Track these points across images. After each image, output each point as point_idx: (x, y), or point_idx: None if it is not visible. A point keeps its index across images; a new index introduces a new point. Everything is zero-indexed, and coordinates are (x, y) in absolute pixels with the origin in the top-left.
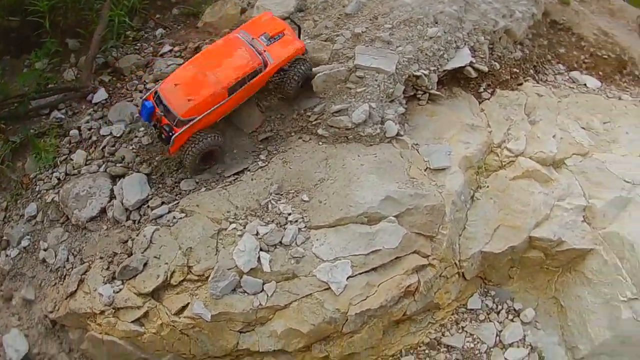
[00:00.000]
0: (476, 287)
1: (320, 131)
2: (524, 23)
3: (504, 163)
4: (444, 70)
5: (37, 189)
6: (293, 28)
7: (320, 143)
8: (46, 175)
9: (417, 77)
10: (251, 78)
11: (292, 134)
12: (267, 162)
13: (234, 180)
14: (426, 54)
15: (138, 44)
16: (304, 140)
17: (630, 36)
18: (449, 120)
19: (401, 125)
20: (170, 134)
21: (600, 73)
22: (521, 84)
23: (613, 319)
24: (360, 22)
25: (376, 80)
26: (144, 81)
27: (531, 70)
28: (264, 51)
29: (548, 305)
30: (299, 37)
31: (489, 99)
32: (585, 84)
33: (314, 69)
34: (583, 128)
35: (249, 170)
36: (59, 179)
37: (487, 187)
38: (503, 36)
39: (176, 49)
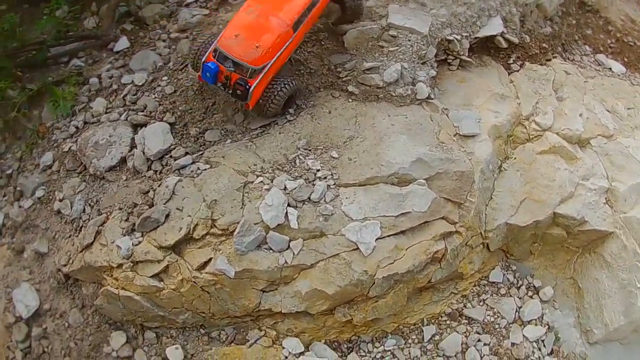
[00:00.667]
0: (498, 260)
1: (350, 88)
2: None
3: (531, 136)
4: (476, 38)
5: (53, 138)
6: None
7: (350, 100)
8: (64, 124)
9: (450, 41)
10: (310, 9)
11: (322, 89)
12: (295, 117)
13: (260, 132)
14: (459, 19)
15: None
16: (333, 96)
17: None
18: (478, 88)
19: (431, 88)
20: (247, 87)
21: (625, 59)
22: (549, 60)
23: (629, 305)
24: None
25: (409, 41)
26: (168, 30)
27: (559, 48)
28: None
29: (566, 286)
30: None
31: (518, 71)
32: (610, 68)
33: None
34: (608, 111)
35: (276, 124)
36: (77, 127)
37: (515, 158)
38: (534, 10)
39: None
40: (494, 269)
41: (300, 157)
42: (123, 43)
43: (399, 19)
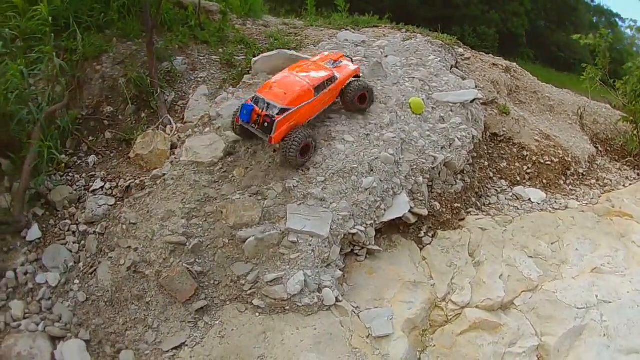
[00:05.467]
0: None
1: (255, 301)
2: (464, 151)
3: (449, 317)
4: (382, 222)
5: None
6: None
7: (257, 314)
8: None
9: (354, 234)
10: (328, 85)
11: (228, 302)
12: (204, 336)
13: (172, 356)
14: (362, 208)
15: (70, 174)
16: (239, 311)
17: (572, 130)
18: (389, 278)
19: (339, 286)
20: (273, 120)
21: (544, 181)
22: (463, 219)
23: None
24: (292, 172)
25: (310, 245)
26: (77, 220)
27: (473, 198)
28: (332, 69)
29: None
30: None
31: (430, 243)
32: (529, 199)
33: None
34: (530, 257)
35: (186, 346)
36: None
37: (434, 345)
38: (443, 170)
39: (107, 185)
40: None
41: None
42: (35, 232)
43: (297, 223)
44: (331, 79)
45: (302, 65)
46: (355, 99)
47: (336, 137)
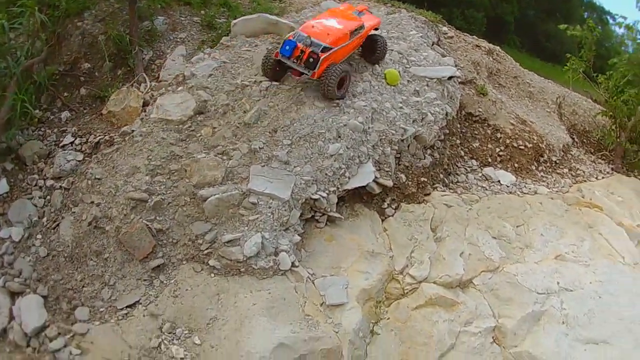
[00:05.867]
0: None
1: (211, 262)
2: (436, 126)
3: (406, 291)
4: (345, 190)
5: None
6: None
7: (212, 275)
8: None
9: (315, 199)
10: (359, 32)
11: (184, 262)
12: (158, 295)
13: (126, 314)
14: (326, 174)
15: (42, 128)
16: (195, 271)
17: (549, 118)
18: (348, 247)
19: (297, 252)
20: (318, 57)
21: (516, 165)
22: (429, 194)
23: None
24: (259, 134)
25: (270, 208)
26: (45, 175)
27: (441, 175)
28: (361, 19)
29: None
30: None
31: (392, 215)
32: (499, 181)
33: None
34: (494, 237)
35: (140, 304)
36: None
37: (388, 318)
38: (412, 143)
39: (77, 141)
40: None
41: (165, 341)
42: (2, 187)
43: (259, 184)
44: (361, 27)
45: (335, 12)
46: (384, 53)
47: (306, 101)
